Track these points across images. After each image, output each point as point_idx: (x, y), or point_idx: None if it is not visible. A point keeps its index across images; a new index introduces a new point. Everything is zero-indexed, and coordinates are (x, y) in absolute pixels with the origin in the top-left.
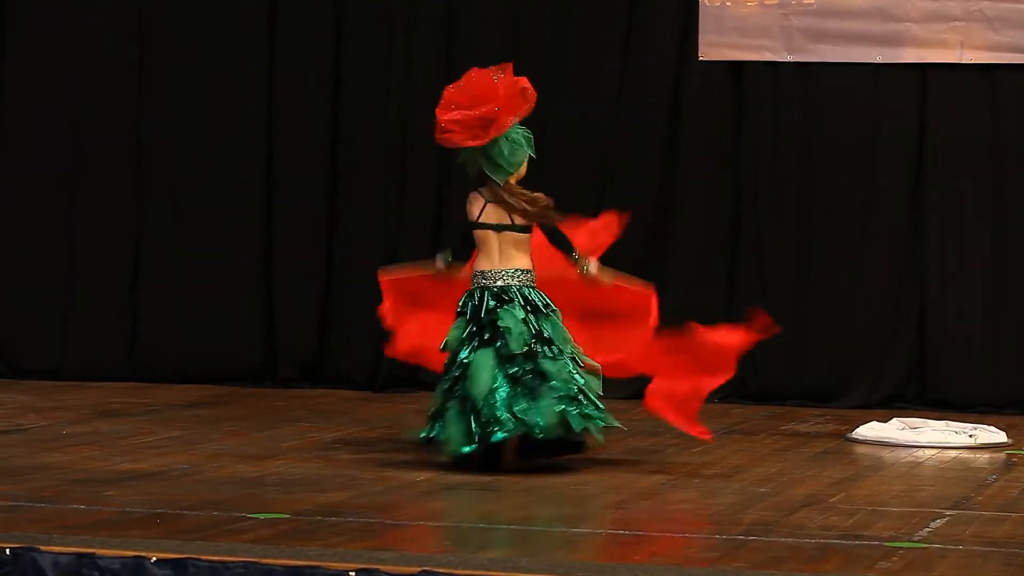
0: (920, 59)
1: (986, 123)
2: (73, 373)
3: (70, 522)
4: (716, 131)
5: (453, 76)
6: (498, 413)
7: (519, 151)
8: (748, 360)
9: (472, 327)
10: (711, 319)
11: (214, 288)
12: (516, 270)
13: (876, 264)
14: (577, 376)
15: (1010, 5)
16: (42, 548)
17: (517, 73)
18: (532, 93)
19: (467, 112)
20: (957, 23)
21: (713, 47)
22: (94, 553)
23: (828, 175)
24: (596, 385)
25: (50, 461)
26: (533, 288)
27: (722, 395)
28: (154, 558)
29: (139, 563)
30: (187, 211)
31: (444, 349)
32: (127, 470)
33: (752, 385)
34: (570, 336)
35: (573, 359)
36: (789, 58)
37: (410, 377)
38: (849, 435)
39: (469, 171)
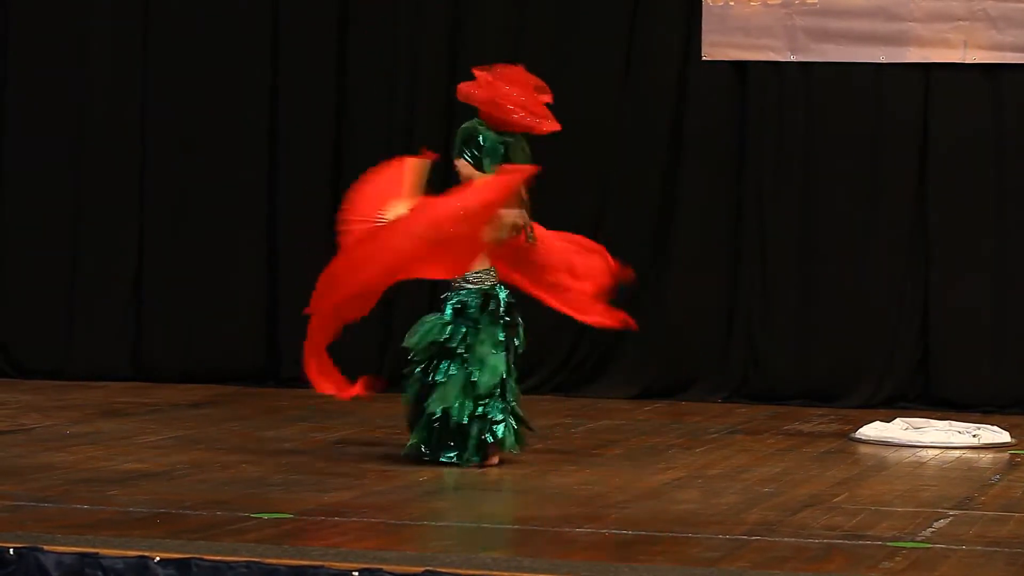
0: (923, 59)
1: (990, 123)
2: (76, 373)
3: (73, 522)
4: (719, 131)
5: (457, 80)
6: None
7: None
8: (751, 360)
9: (493, 329)
10: (714, 319)
11: (217, 288)
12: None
13: (879, 263)
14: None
15: (1013, 5)
16: (46, 548)
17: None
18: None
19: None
20: (961, 23)
21: (716, 47)
22: (97, 553)
23: (831, 175)
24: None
25: (53, 461)
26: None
27: (726, 395)
28: (157, 558)
29: (142, 563)
30: (190, 211)
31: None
32: (130, 470)
33: (755, 385)
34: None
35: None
36: (792, 58)
37: None
38: (852, 435)
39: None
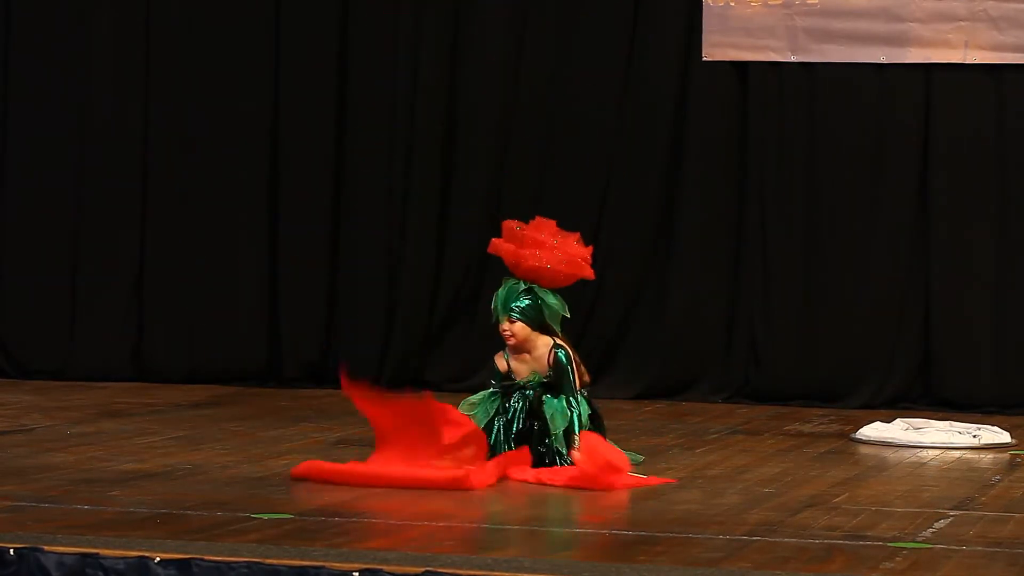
0: (925, 59)
1: (991, 123)
2: (78, 373)
3: (74, 522)
4: (720, 132)
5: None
6: None
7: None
8: (753, 360)
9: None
10: (715, 319)
11: (219, 288)
12: None
13: (881, 264)
14: None
15: (1015, 5)
16: (46, 548)
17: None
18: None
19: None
20: (962, 23)
21: (717, 47)
22: (98, 553)
23: (833, 175)
24: None
25: (55, 461)
26: None
27: (727, 395)
28: (158, 558)
29: (143, 563)
30: (192, 211)
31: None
32: (132, 470)
33: (756, 385)
34: None
35: None
36: (793, 58)
37: (415, 378)
38: (853, 435)
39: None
